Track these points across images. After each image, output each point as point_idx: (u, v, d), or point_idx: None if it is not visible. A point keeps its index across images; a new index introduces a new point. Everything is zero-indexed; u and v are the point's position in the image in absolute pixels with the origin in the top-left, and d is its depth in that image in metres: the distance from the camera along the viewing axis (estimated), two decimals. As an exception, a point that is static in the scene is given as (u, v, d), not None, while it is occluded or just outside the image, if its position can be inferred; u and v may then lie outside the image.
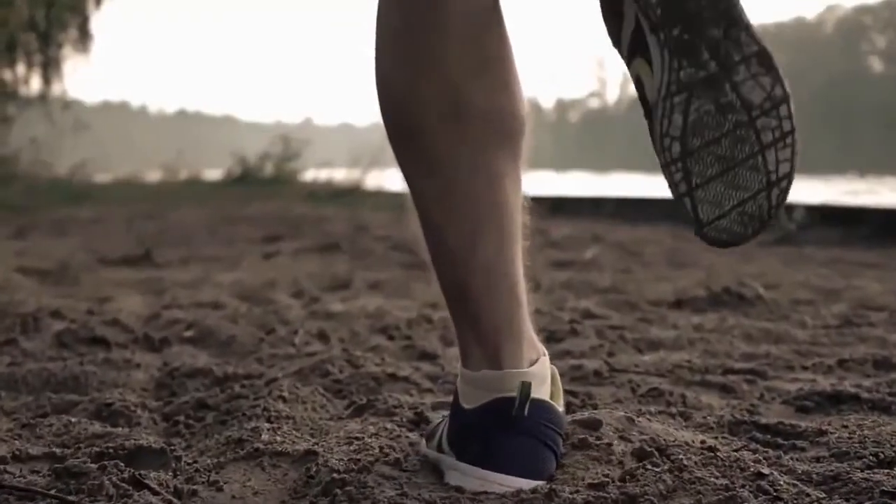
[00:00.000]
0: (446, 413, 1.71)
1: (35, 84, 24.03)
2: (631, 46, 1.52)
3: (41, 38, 24.13)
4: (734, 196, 1.47)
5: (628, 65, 1.54)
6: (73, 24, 24.83)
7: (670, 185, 1.49)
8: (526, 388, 1.55)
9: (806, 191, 16.08)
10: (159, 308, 3.27)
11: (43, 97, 23.87)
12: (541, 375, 1.59)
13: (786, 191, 1.47)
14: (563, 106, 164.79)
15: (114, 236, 7.53)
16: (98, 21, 39.26)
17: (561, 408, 1.62)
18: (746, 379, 2.21)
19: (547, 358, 1.64)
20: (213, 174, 19.78)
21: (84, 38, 24.85)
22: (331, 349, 2.45)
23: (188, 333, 2.73)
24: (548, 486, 1.46)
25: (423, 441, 1.70)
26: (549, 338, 2.66)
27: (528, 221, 1.66)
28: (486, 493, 1.49)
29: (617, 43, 1.55)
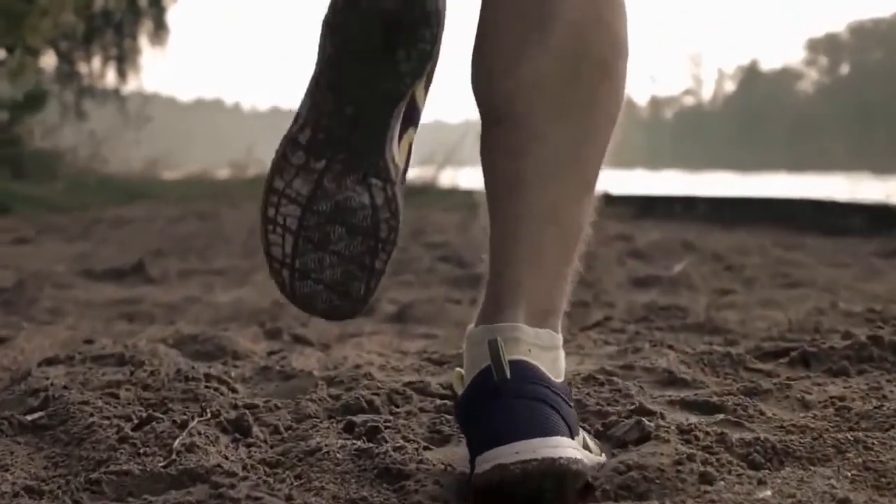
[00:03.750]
0: None
1: (111, 78, 23.54)
2: None
3: (115, 30, 23.59)
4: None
5: None
6: (148, 16, 24.27)
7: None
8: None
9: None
10: (44, 359, 2.27)
11: (116, 91, 23.34)
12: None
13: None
14: (657, 103, 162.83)
15: (135, 241, 6.60)
16: (175, 15, 39.03)
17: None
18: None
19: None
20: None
21: (160, 30, 24.24)
22: (217, 468, 1.43)
23: (34, 416, 1.73)
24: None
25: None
26: (602, 435, 1.63)
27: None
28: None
29: None
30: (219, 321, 3.50)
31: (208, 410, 1.68)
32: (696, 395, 1.92)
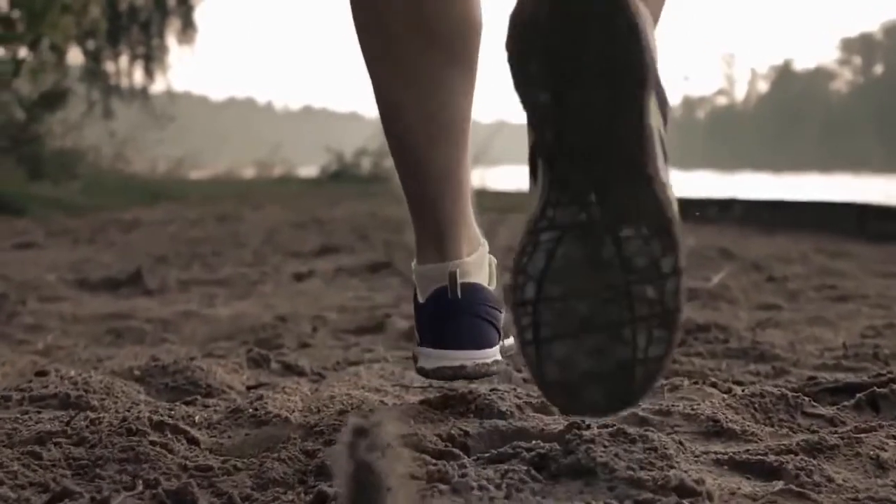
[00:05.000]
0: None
1: (139, 77, 23.39)
2: (530, 163, 1.31)
3: (142, 29, 23.42)
4: (588, 363, 1.23)
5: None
6: (176, 14, 24.09)
7: (515, 327, 1.27)
8: (452, 276, 1.78)
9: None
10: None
11: (144, 90, 23.17)
12: (477, 263, 1.82)
13: (654, 374, 1.23)
14: (689, 103, 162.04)
15: (143, 245, 6.30)
16: (207, 13, 38.98)
17: (493, 286, 1.84)
18: None
19: (485, 247, 1.87)
20: (313, 171, 18.75)
21: (188, 29, 24.06)
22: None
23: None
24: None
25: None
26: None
27: None
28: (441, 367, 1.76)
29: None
30: (214, 339, 3.21)
31: (139, 481, 1.35)
32: (747, 452, 1.59)
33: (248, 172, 19.48)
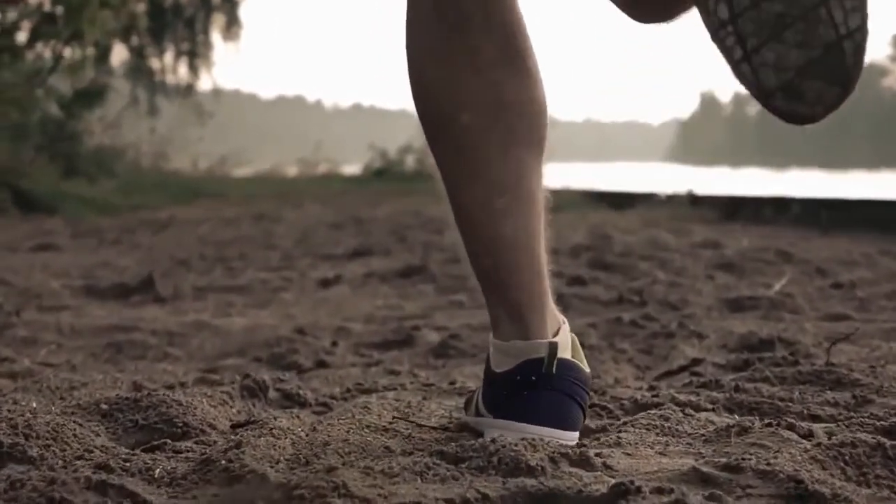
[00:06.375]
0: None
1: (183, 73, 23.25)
2: None
3: (186, 25, 23.26)
4: (799, 56, 1.32)
5: None
6: (221, 11, 23.92)
7: (724, 54, 1.34)
8: (553, 348, 1.66)
9: None
10: None
11: (189, 87, 23.00)
12: (563, 343, 1.69)
13: (861, 44, 1.33)
14: (740, 100, 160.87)
15: (168, 247, 6.00)
16: (249, 8, 38.98)
17: (586, 368, 1.72)
18: None
19: (567, 326, 1.74)
20: (358, 169, 18.48)
21: (233, 25, 23.86)
22: None
23: None
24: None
25: (463, 411, 1.86)
26: None
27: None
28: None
29: None
30: (223, 354, 2.91)
31: None
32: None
33: (292, 170, 19.21)
